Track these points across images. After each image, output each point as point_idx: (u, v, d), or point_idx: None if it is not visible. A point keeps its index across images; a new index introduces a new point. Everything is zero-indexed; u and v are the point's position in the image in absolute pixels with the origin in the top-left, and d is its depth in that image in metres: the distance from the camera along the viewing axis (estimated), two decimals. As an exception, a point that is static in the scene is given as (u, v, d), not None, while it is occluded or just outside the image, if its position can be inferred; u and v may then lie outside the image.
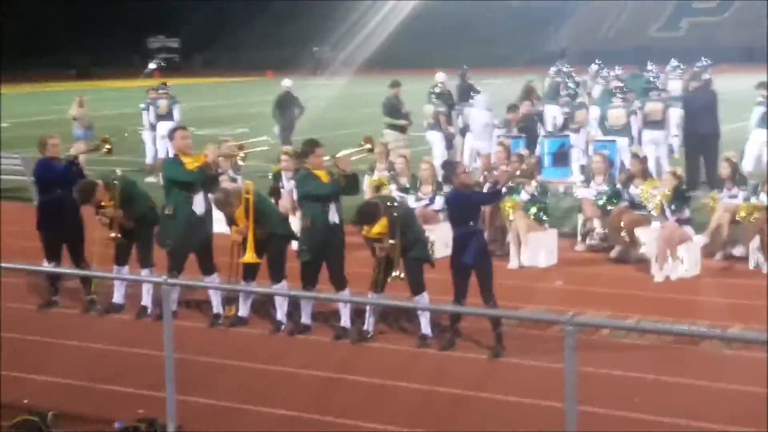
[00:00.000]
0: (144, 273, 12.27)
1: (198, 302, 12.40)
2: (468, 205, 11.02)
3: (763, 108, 19.47)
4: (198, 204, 11.88)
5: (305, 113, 24.43)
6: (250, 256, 11.55)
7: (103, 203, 12.22)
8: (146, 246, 12.46)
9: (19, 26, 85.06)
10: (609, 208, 14.94)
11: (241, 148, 13.13)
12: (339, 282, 11.44)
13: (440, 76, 22.84)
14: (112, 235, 12.23)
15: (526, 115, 20.95)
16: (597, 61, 31.18)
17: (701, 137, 19.42)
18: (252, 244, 11.52)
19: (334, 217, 11.41)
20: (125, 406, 9.36)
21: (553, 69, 28.89)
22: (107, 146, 12.81)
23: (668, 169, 15.78)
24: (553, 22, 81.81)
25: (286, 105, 24.23)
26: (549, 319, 10.71)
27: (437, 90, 22.20)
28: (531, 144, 19.64)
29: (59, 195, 12.65)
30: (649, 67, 27.52)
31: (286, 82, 24.84)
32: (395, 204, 11.40)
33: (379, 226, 10.97)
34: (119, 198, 12.23)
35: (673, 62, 29.70)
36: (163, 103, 23.43)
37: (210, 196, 12.11)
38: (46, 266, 12.43)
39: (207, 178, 11.95)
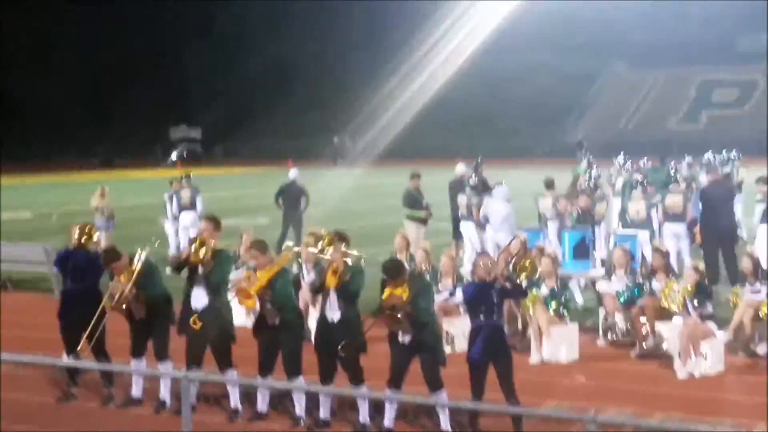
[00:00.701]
0: (161, 366, 12.21)
1: (216, 396, 12.31)
2: (485, 298, 10.98)
3: (764, 204, 19.49)
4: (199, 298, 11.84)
5: (325, 203, 24.49)
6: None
7: (120, 275, 12.22)
8: (163, 338, 12.39)
9: (44, 116, 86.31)
10: (630, 304, 14.83)
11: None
12: (356, 377, 11.36)
13: (460, 168, 22.95)
14: (111, 304, 12.17)
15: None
16: (621, 153, 31.31)
17: (719, 231, 19.30)
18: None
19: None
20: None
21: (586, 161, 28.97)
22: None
23: (690, 263, 15.68)
24: (573, 114, 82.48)
25: (290, 195, 24.26)
26: (571, 418, 10.57)
27: (471, 182, 22.27)
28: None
29: (81, 285, 12.68)
30: (669, 160, 27.66)
31: (293, 173, 24.95)
32: (417, 275, 11.43)
33: (400, 290, 10.93)
34: (137, 276, 12.20)
35: (707, 156, 29.87)
36: (186, 194, 23.55)
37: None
38: (65, 359, 12.40)
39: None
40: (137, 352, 12.41)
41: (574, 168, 29.52)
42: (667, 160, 29.13)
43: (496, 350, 10.84)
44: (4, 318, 17.97)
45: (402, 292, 10.93)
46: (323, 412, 11.52)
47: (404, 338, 10.97)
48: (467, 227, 21.73)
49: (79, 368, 12.63)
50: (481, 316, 10.97)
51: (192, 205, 23.31)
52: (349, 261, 11.36)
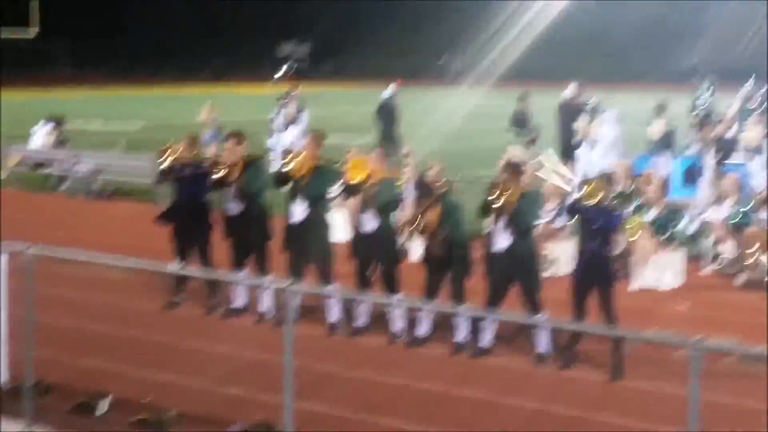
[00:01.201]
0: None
1: (316, 310, 12.45)
2: (605, 226, 10.82)
3: None
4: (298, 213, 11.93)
5: (435, 123, 24.40)
6: None
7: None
8: (261, 253, 12.57)
9: (148, 30, 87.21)
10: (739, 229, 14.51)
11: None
12: (458, 296, 11.39)
13: (568, 91, 22.57)
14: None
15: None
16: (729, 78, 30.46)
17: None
18: None
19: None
20: (243, 409, 9.46)
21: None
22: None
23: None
24: (687, 38, 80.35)
25: (386, 113, 24.31)
26: (674, 342, 10.43)
27: (589, 104, 21.94)
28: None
29: (189, 196, 12.87)
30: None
31: (389, 90, 24.89)
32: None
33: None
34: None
35: None
36: (291, 110, 23.63)
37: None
38: (172, 266, 12.65)
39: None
40: (237, 266, 12.59)
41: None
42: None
43: (596, 275, 10.72)
44: (114, 226, 18.44)
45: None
46: (422, 329, 11.58)
47: (502, 244, 10.92)
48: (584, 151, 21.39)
49: (186, 276, 12.89)
50: (585, 240, 10.85)
51: (296, 121, 23.40)
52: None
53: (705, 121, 21.78)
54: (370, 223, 11.73)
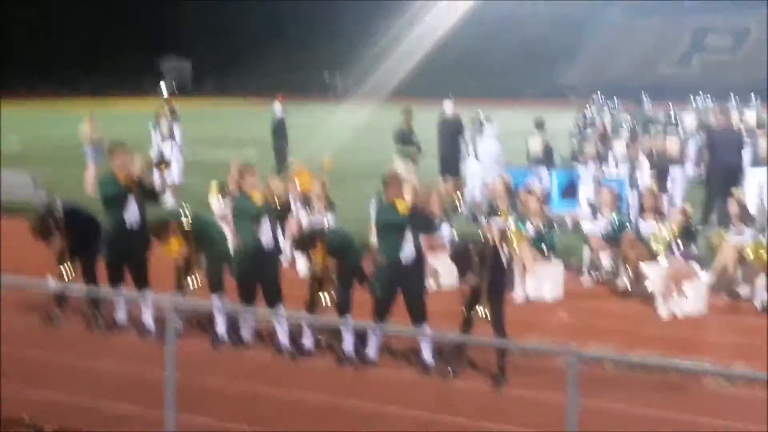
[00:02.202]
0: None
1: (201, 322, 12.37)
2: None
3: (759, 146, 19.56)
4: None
5: (314, 138, 24.60)
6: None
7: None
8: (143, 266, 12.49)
9: (32, 45, 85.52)
10: (616, 237, 14.88)
11: None
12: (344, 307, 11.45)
13: (448, 106, 22.86)
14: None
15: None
16: (602, 93, 31.38)
17: (726, 175, 19.21)
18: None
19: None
20: (125, 424, 9.34)
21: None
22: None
23: (679, 205, 15.75)
24: (565, 57, 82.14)
25: (278, 130, 25.02)
26: (552, 351, 10.65)
27: (475, 120, 22.37)
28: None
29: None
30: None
31: (277, 107, 25.47)
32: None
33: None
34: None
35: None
36: (165, 124, 23.56)
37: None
38: (51, 283, 12.43)
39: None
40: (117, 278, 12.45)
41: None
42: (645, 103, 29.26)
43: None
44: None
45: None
46: (307, 342, 11.61)
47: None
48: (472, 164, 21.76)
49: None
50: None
51: (170, 136, 23.37)
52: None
53: (584, 136, 22.37)
54: (264, 236, 11.70)
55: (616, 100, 29.75)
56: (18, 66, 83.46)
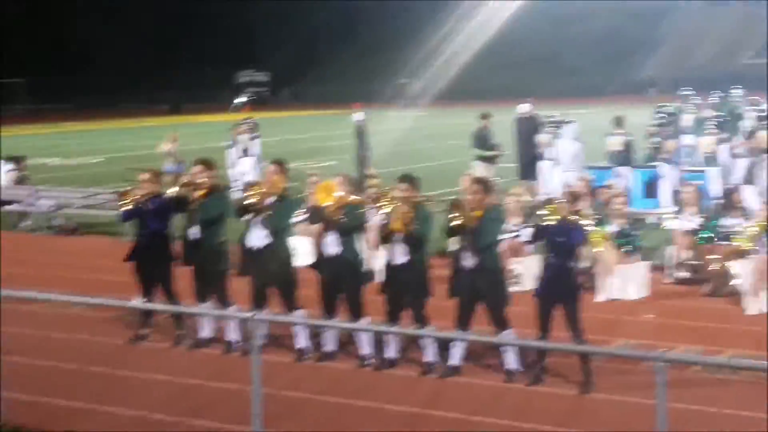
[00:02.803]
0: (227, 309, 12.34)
1: (284, 337, 12.40)
2: (568, 241, 10.89)
3: None
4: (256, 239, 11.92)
5: (391, 144, 24.50)
6: None
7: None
8: (222, 283, 12.55)
9: (111, 62, 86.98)
10: (707, 241, 14.61)
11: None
12: (419, 319, 11.39)
13: (524, 107, 22.74)
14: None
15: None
16: (685, 88, 30.83)
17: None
18: None
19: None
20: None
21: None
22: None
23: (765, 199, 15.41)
24: (642, 50, 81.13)
25: (359, 136, 24.70)
26: (639, 356, 10.48)
27: (550, 120, 22.16)
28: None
29: (152, 230, 12.80)
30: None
31: (357, 115, 25.18)
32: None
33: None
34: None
35: None
36: (244, 139, 23.57)
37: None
38: (136, 301, 12.58)
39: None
40: (200, 296, 12.56)
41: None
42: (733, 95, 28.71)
43: (561, 289, 10.77)
44: (77, 262, 18.31)
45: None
46: (390, 352, 11.57)
47: (467, 262, 10.91)
48: (546, 165, 21.49)
49: (151, 310, 12.79)
50: (549, 255, 10.92)
51: (249, 150, 23.36)
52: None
53: (665, 132, 22.05)
54: (334, 247, 11.71)
55: (698, 95, 29.23)
56: (98, 86, 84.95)
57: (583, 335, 10.66)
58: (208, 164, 12.66)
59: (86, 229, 21.55)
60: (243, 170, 23.02)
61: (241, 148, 23.54)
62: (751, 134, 19.88)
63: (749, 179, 18.37)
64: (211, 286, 12.54)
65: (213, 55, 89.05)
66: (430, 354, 11.34)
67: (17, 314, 11.92)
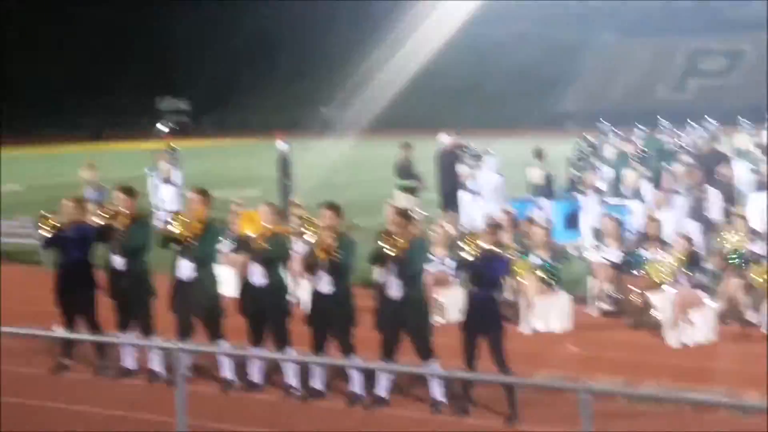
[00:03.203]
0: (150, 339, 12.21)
1: (209, 367, 12.30)
2: (491, 272, 10.98)
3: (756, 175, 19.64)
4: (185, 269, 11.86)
5: (313, 174, 24.56)
6: None
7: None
8: (146, 313, 12.43)
9: (31, 89, 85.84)
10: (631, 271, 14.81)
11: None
12: (346, 349, 11.40)
13: (444, 138, 22.92)
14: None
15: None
16: (602, 120, 31.40)
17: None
18: None
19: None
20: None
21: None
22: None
23: (682, 232, 15.68)
24: (560, 84, 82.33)
25: (283, 166, 24.94)
26: (564, 387, 10.60)
27: (470, 151, 22.33)
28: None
29: (74, 258, 12.63)
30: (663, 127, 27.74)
31: (280, 144, 25.37)
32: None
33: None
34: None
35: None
36: (164, 167, 23.41)
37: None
38: (58, 331, 12.39)
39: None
40: (122, 325, 12.41)
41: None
42: (656, 130, 29.23)
43: (484, 320, 10.85)
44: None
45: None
46: (316, 382, 11.54)
47: (392, 292, 10.96)
48: (466, 197, 21.65)
49: (72, 340, 12.59)
50: (473, 287, 11.03)
51: (170, 179, 23.19)
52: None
53: (586, 166, 22.40)
54: (259, 277, 11.68)
55: (616, 129, 29.79)
56: (14, 110, 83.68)
57: (506, 366, 10.75)
58: (129, 192, 12.55)
59: (8, 258, 21.16)
60: (164, 198, 22.88)
61: (162, 176, 23.37)
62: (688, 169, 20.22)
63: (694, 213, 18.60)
64: (134, 316, 12.40)
65: (133, 82, 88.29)
66: (356, 384, 11.34)
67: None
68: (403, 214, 11.42)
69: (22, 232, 20.97)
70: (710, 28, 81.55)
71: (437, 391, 11.04)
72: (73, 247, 12.57)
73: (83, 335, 12.37)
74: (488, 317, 10.89)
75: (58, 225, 12.54)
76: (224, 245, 14.86)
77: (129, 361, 12.54)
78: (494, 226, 11.86)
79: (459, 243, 11.31)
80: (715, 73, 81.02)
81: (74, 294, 12.55)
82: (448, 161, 22.51)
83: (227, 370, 11.97)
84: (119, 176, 32.95)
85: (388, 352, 11.08)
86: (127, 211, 12.35)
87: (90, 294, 12.63)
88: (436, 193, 22.64)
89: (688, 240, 14.11)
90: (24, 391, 11.83)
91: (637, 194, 19.59)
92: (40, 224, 12.65)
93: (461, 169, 22.03)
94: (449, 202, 22.05)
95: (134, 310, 12.40)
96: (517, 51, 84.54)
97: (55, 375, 12.54)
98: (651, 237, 14.92)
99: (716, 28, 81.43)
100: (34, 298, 14.14)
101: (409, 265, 10.99)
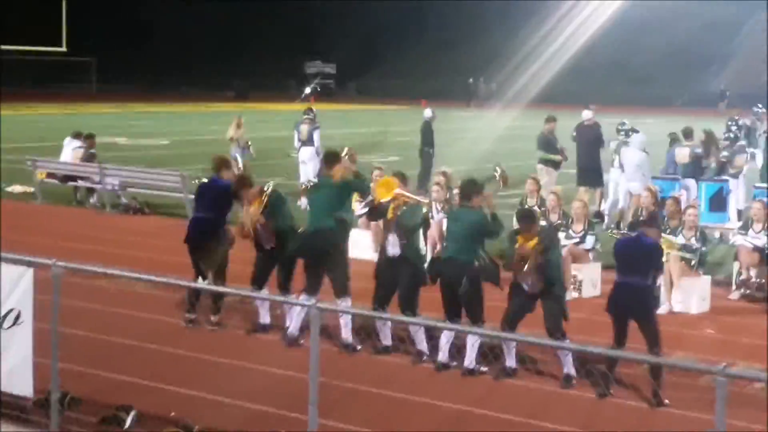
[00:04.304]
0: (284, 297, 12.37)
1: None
2: (647, 263, 10.75)
3: None
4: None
5: (456, 144, 24.50)
6: None
7: (251, 204, 12.48)
8: (288, 269, 12.60)
9: (179, 47, 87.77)
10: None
11: None
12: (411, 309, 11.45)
13: (587, 113, 22.58)
14: (242, 232, 12.50)
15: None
16: (759, 105, 30.40)
17: None
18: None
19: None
20: (265, 425, 9.46)
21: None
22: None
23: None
24: (715, 63, 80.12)
25: (426, 134, 24.89)
26: (700, 369, 10.34)
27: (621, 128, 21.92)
28: None
29: (210, 215, 12.90)
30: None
31: (426, 112, 25.30)
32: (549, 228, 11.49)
33: (532, 242, 10.84)
34: (265, 207, 12.47)
35: None
36: (304, 129, 23.71)
37: None
38: (199, 282, 12.65)
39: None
40: (259, 282, 12.60)
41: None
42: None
43: (634, 308, 10.62)
44: (140, 241, 18.52)
45: (533, 245, 10.82)
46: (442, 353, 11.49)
47: (529, 288, 10.89)
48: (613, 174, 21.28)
49: (199, 294, 12.79)
50: (623, 271, 10.80)
51: (310, 140, 23.49)
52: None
53: (736, 148, 21.77)
54: (393, 246, 11.71)
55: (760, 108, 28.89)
56: (166, 69, 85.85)
57: (659, 349, 10.51)
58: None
59: (151, 209, 21.77)
60: (303, 159, 23.24)
61: (301, 138, 23.70)
62: None
63: None
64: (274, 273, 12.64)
65: (279, 45, 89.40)
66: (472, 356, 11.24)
67: (81, 289, 12.08)
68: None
69: (168, 185, 21.53)
70: None
71: (568, 367, 10.89)
72: (214, 201, 12.85)
73: (226, 289, 12.53)
74: (639, 305, 10.65)
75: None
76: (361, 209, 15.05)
77: (265, 317, 12.73)
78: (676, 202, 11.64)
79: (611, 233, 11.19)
80: None
81: (206, 247, 12.80)
82: (588, 136, 22.19)
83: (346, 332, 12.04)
84: (263, 136, 33.57)
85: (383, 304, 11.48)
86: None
87: (220, 249, 12.85)
88: (575, 167, 22.35)
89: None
90: (162, 339, 12.15)
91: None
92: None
93: (609, 145, 21.69)
94: (586, 178, 21.74)
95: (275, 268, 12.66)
96: (669, 28, 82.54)
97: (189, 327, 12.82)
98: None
99: None
100: (175, 248, 14.44)
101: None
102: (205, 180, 13.71)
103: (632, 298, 10.57)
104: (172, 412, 9.55)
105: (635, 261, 10.65)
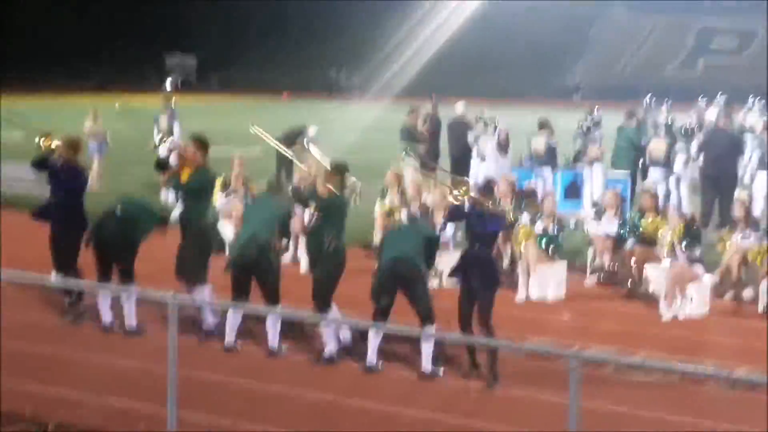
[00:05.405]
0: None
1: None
2: (487, 229, 10.98)
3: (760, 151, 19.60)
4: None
5: (320, 136, 24.28)
6: None
7: None
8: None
9: (36, 38, 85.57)
10: (627, 240, 14.81)
11: None
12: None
13: (458, 106, 23.02)
14: None
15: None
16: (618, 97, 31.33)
17: (717, 178, 19.26)
18: None
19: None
20: (126, 420, 9.34)
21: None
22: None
23: (678, 207, 15.71)
24: (569, 56, 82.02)
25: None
26: (553, 353, 10.62)
27: (485, 121, 22.35)
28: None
29: (65, 200, 12.77)
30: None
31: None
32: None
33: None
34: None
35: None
36: (164, 121, 23.50)
37: None
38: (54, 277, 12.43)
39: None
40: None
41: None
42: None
43: (479, 277, 10.81)
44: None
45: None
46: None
47: None
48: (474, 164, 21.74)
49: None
50: (469, 245, 11.05)
51: (170, 132, 23.25)
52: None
53: (589, 137, 22.36)
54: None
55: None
56: (21, 58, 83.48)
57: (492, 328, 10.70)
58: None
59: (6, 203, 21.17)
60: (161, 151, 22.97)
61: (159, 128, 23.43)
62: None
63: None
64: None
65: (139, 35, 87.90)
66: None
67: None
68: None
69: (24, 178, 20.99)
70: (721, 6, 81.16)
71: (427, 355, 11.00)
72: (64, 185, 12.64)
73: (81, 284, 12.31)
74: (484, 273, 10.85)
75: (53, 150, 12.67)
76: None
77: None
78: (488, 185, 11.84)
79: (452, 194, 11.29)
80: (725, 53, 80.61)
81: (64, 232, 12.62)
82: (457, 129, 22.71)
83: (209, 322, 12.03)
84: (122, 128, 32.89)
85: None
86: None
87: (80, 233, 12.65)
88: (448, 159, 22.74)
89: (683, 214, 14.16)
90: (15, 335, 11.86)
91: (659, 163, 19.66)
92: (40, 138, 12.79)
93: (469, 136, 22.19)
94: (458, 169, 22.07)
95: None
96: (531, 25, 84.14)
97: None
98: (647, 209, 14.90)
99: (727, 7, 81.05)
100: (28, 243, 14.05)
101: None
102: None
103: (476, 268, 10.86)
104: (28, 410, 9.35)
105: (478, 233, 10.92)
